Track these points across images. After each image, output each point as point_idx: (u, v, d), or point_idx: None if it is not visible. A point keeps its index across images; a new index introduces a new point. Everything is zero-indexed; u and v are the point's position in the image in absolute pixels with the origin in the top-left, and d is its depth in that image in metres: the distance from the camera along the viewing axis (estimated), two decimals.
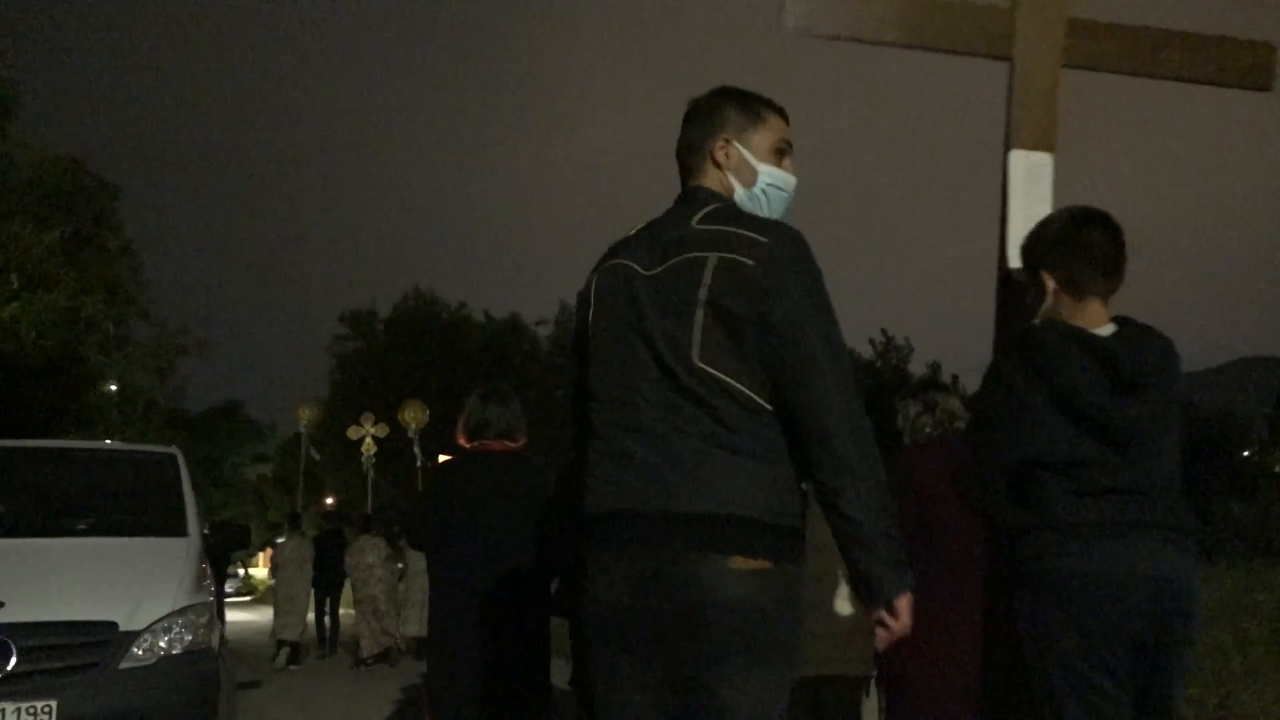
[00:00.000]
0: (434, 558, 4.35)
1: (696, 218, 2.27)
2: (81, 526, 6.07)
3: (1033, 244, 2.83)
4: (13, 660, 4.84)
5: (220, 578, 18.22)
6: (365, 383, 27.57)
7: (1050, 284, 2.76)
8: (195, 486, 7.00)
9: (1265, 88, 4.13)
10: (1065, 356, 2.58)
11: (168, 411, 24.78)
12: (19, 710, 4.79)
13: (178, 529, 6.15)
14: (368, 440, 17.99)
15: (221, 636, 6.08)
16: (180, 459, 6.92)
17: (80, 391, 11.33)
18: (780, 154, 2.41)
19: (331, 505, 27.99)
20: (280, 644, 13.47)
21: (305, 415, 21.49)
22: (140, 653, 5.14)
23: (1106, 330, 2.67)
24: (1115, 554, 2.53)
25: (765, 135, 2.39)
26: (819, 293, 2.18)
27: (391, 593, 13.32)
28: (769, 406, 2.15)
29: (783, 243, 2.18)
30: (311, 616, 14.36)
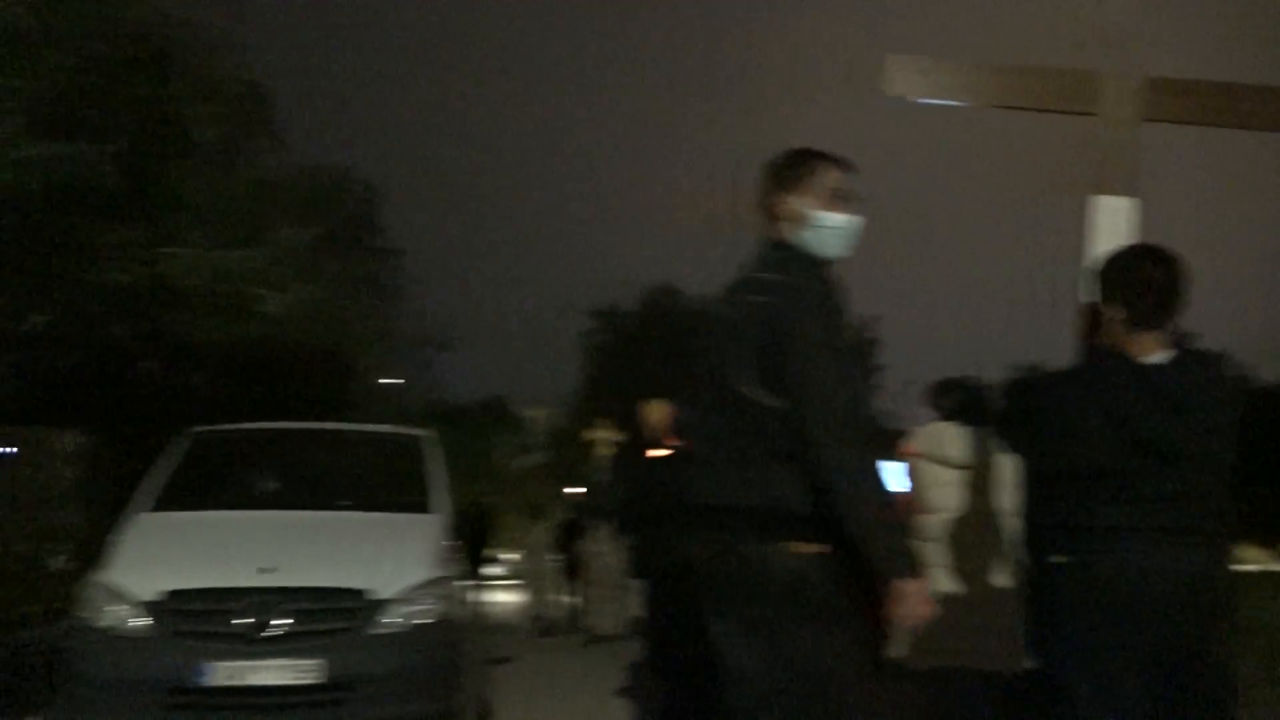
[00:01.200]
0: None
1: (758, 264, 2.78)
2: (342, 501, 6.52)
3: (1095, 277, 3.06)
4: (281, 621, 5.26)
5: (477, 558, 19.33)
6: (611, 376, 28.26)
7: (1109, 315, 2.99)
8: (448, 469, 7.41)
9: None
10: (1116, 382, 2.88)
11: (427, 403, 26.54)
12: (286, 667, 5.21)
13: (426, 506, 6.51)
14: (600, 442, 18.80)
15: (469, 609, 6.37)
16: (426, 441, 7.31)
17: (345, 382, 12.27)
18: (837, 199, 2.79)
19: (573, 496, 29.09)
20: (535, 619, 15.17)
21: (540, 416, 22.71)
22: (391, 620, 5.47)
23: (1161, 357, 2.90)
24: (1152, 555, 2.79)
25: (819, 184, 2.79)
26: (811, 335, 2.59)
27: (621, 576, 13.79)
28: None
29: (790, 292, 2.63)
30: (560, 597, 15.36)
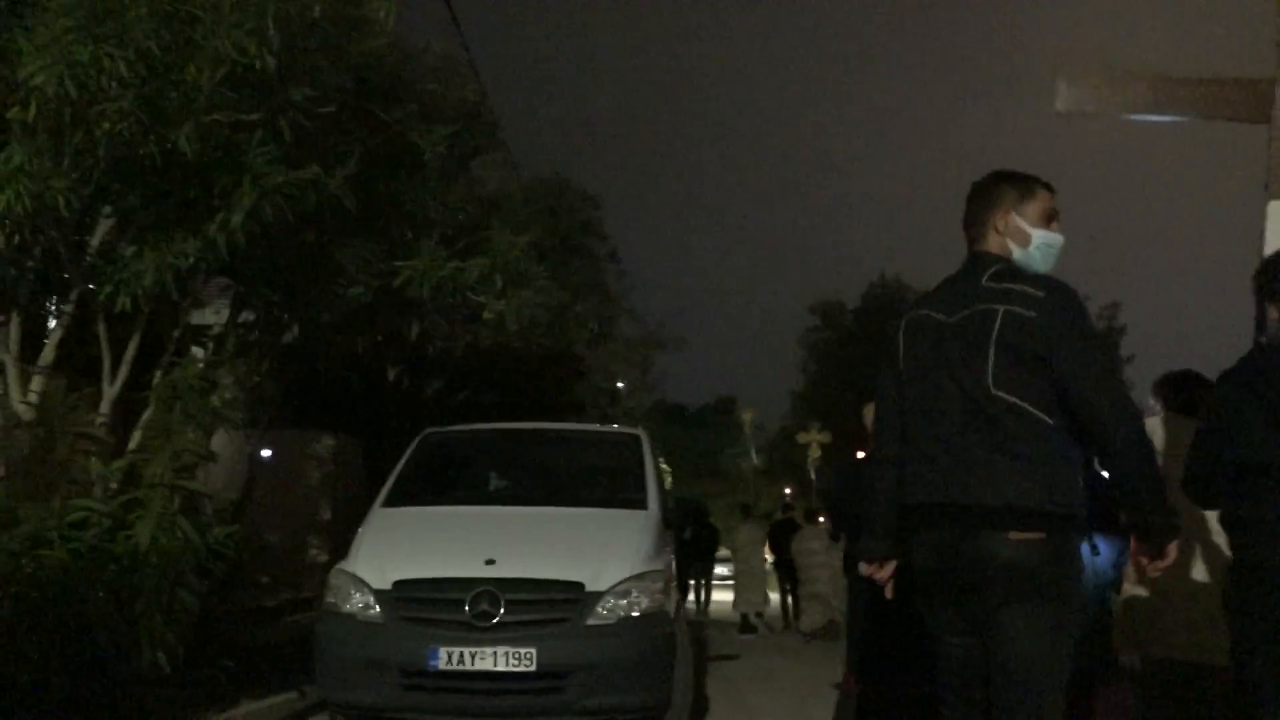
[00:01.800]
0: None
1: (985, 276, 2.97)
2: (562, 497, 6.81)
3: (1261, 276, 3.27)
4: (501, 610, 5.56)
5: (707, 559, 19.63)
6: (832, 374, 27.98)
7: (1274, 313, 3.20)
8: (675, 471, 7.59)
9: None
10: (1276, 379, 3.02)
11: (649, 404, 27.11)
12: (506, 654, 5.50)
13: (639, 502, 6.70)
14: (813, 445, 18.86)
15: (679, 604, 6.49)
16: (644, 440, 7.52)
17: (570, 383, 12.75)
18: (1048, 219, 3.08)
19: (788, 496, 29.10)
20: (743, 616, 15.56)
21: (748, 419, 22.83)
22: (603, 611, 5.67)
23: None
24: None
25: (1035, 205, 3.06)
26: (1087, 333, 2.90)
27: (834, 576, 13.73)
28: (1050, 420, 2.83)
29: (1055, 296, 2.88)
30: (776, 595, 15.67)
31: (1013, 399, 2.84)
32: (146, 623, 5.45)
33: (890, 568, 3.21)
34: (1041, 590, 2.82)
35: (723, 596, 20.99)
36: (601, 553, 5.96)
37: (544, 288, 7.03)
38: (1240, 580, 3.11)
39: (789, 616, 16.02)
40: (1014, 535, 2.80)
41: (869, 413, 5.16)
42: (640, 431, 7.79)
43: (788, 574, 15.61)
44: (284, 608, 9.46)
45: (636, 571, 5.86)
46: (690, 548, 23.48)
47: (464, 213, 7.02)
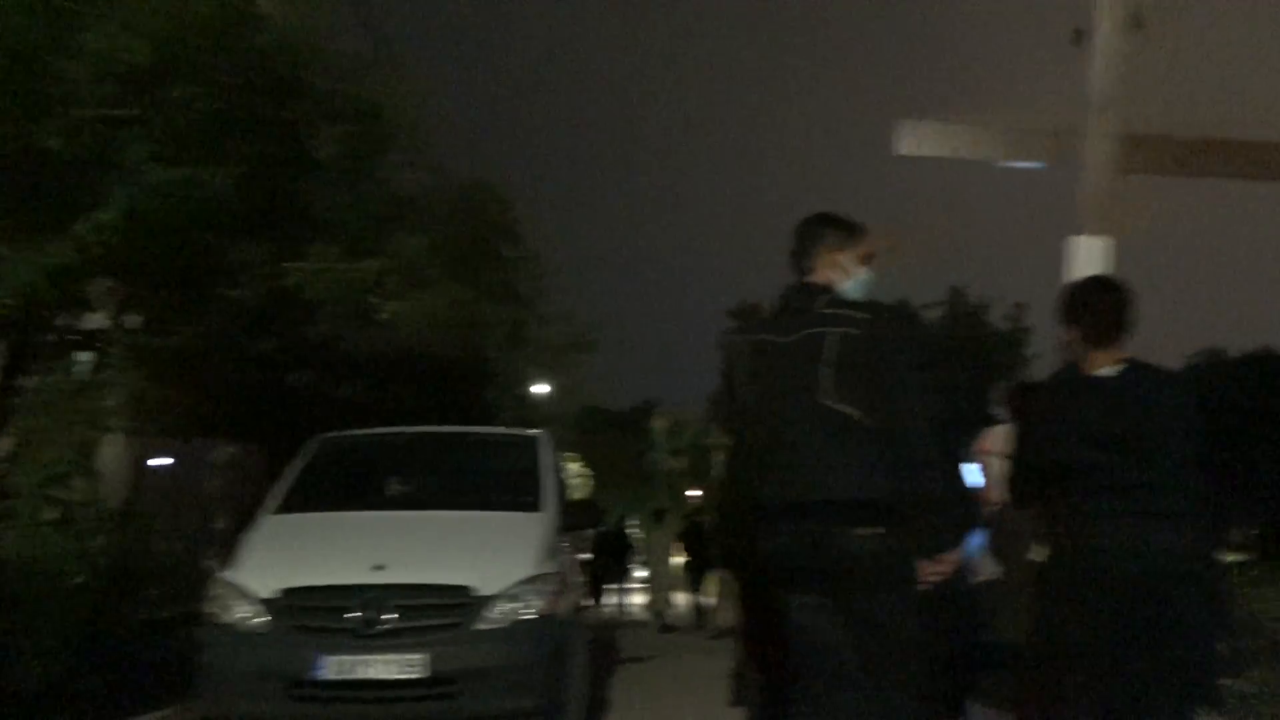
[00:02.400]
0: None
1: (818, 304, 3.38)
2: (457, 501, 6.73)
3: (1060, 305, 3.67)
4: (389, 617, 5.48)
5: (622, 562, 19.69)
6: None
7: (1071, 336, 3.62)
8: (575, 470, 7.57)
9: None
10: (1080, 392, 3.50)
11: (575, 409, 26.99)
12: (394, 661, 5.42)
13: (534, 504, 6.65)
14: (715, 450, 19.10)
15: (577, 606, 6.47)
16: (543, 442, 7.47)
17: (482, 386, 12.64)
18: (866, 259, 3.58)
19: (696, 499, 29.27)
20: (658, 615, 16.14)
21: (659, 425, 23.08)
22: (495, 615, 5.62)
23: (1110, 371, 3.50)
24: (1113, 533, 3.32)
25: (857, 248, 3.56)
26: (905, 347, 3.31)
27: None
28: (874, 425, 3.23)
29: (878, 319, 3.32)
30: (685, 596, 16.07)
31: (842, 408, 3.26)
32: (21, 636, 5.28)
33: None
34: (888, 576, 3.26)
35: (635, 599, 21.25)
36: (493, 556, 5.91)
37: (445, 289, 6.93)
38: (1050, 565, 3.56)
39: (700, 616, 16.21)
40: (859, 531, 3.22)
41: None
42: (539, 434, 7.73)
43: (699, 575, 15.85)
44: (178, 621, 9.23)
45: (529, 574, 5.82)
46: (606, 551, 23.66)
47: (364, 214, 6.88)
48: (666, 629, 15.96)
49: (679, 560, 16.83)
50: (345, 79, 6.87)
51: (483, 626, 5.59)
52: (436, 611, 5.59)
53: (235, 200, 5.52)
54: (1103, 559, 3.32)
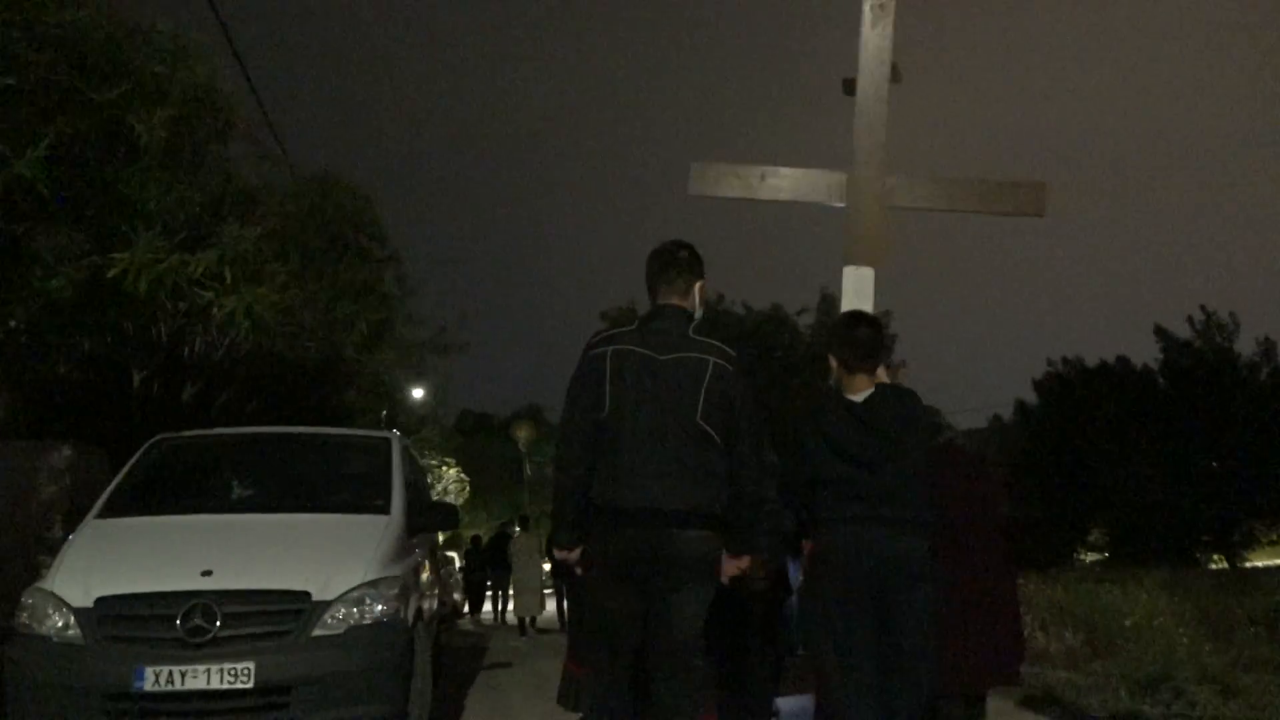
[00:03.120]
0: None
1: (691, 328, 3.86)
2: (299, 504, 6.45)
3: (824, 336, 4.48)
4: (216, 624, 5.19)
5: (500, 563, 19.47)
6: None
7: (833, 363, 4.14)
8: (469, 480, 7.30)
9: (1040, 213, 6.21)
10: (832, 415, 4.03)
11: (449, 414, 26.55)
12: (221, 671, 5.13)
13: (381, 507, 6.42)
14: None
15: (423, 612, 6.25)
16: (395, 443, 7.23)
17: (339, 388, 12.24)
18: (702, 293, 3.99)
19: None
20: (520, 620, 16.59)
21: (522, 434, 22.88)
22: (331, 621, 5.38)
23: (864, 395, 4.04)
24: (856, 536, 3.90)
25: (702, 280, 3.98)
26: (751, 392, 3.86)
27: None
28: (724, 448, 3.78)
29: (739, 359, 3.83)
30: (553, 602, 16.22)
31: (709, 429, 3.74)
32: None
33: (578, 552, 3.89)
34: (708, 573, 3.79)
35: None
36: (332, 560, 5.67)
37: (277, 284, 6.62)
38: (811, 569, 4.09)
39: (564, 620, 16.33)
40: (694, 533, 3.71)
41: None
42: (390, 435, 7.50)
43: (563, 580, 15.98)
44: (8, 633, 8.63)
45: (369, 578, 5.61)
46: (485, 557, 23.32)
47: (193, 203, 6.52)
48: (523, 633, 16.20)
49: (547, 566, 16.80)
50: (173, 61, 6.51)
51: (319, 633, 5.35)
52: (267, 618, 5.33)
53: (44, 183, 5.15)
54: (842, 557, 3.90)
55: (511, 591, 17.24)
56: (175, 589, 5.29)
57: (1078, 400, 37.41)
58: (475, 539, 27.02)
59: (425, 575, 7.06)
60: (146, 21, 6.60)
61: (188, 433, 7.37)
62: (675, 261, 3.91)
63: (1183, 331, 36.18)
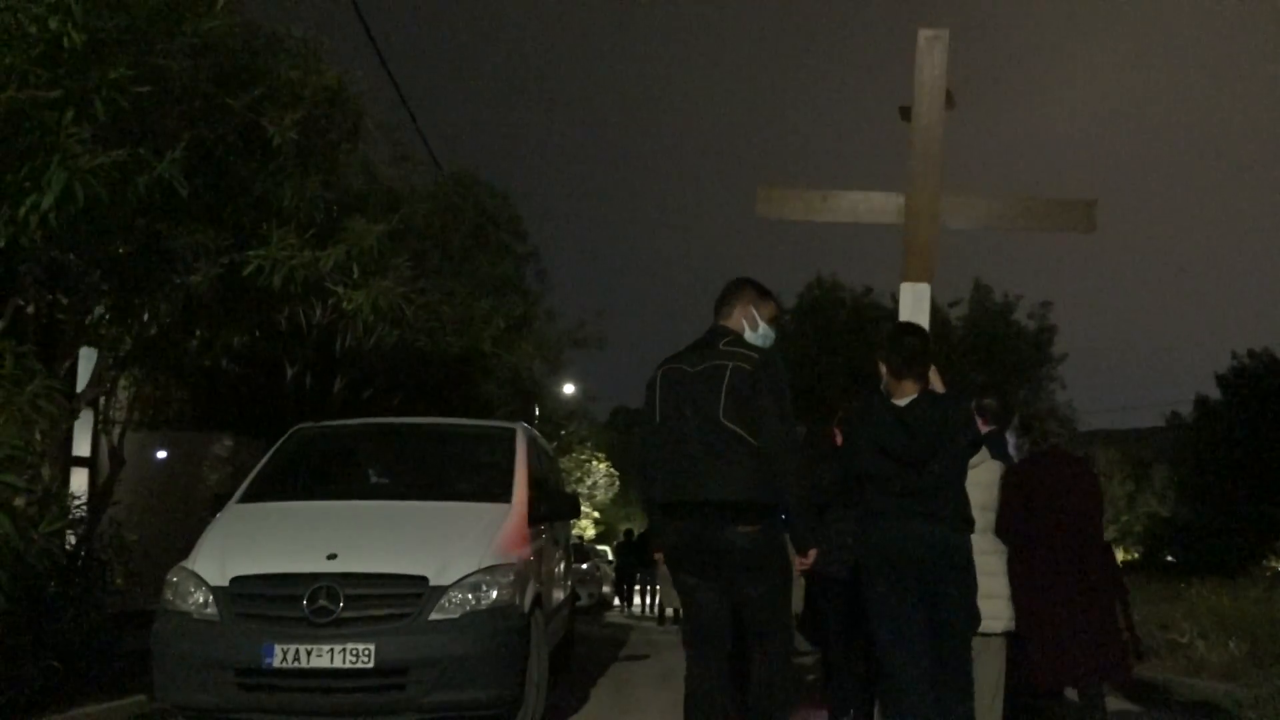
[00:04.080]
0: None
1: (722, 343, 4.29)
2: (425, 491, 6.64)
3: (877, 345, 4.55)
4: (340, 605, 5.39)
5: (644, 561, 19.53)
6: None
7: (882, 369, 4.49)
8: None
9: (1092, 230, 6.38)
10: (879, 416, 4.41)
11: (597, 411, 26.84)
12: (344, 650, 5.32)
13: (502, 495, 6.54)
14: None
15: (540, 598, 6.32)
16: (521, 434, 7.36)
17: (479, 383, 12.54)
18: (771, 320, 4.53)
19: None
20: (660, 612, 17.12)
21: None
22: (449, 605, 5.51)
23: (908, 400, 4.40)
24: (901, 528, 4.30)
25: (767, 309, 4.51)
26: (779, 386, 4.17)
27: None
28: (756, 443, 4.10)
29: (763, 361, 4.19)
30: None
31: (734, 426, 4.10)
32: None
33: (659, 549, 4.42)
34: (762, 563, 4.20)
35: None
36: (451, 546, 5.81)
37: (407, 277, 6.81)
38: (863, 561, 4.46)
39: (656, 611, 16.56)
40: (741, 528, 4.10)
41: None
42: (517, 426, 7.63)
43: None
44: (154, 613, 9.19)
45: (486, 565, 5.72)
46: (635, 550, 23.54)
47: (324, 201, 6.79)
48: (664, 624, 16.38)
49: None
50: (304, 66, 6.78)
51: (436, 616, 5.49)
52: (387, 601, 5.50)
53: (181, 183, 5.43)
54: (891, 548, 4.31)
55: (658, 585, 17.20)
56: (302, 570, 5.51)
57: (1266, 394, 34.99)
58: (628, 532, 27.27)
59: (547, 564, 7.17)
60: (281, 28, 6.88)
61: (325, 423, 7.68)
62: (730, 289, 4.51)
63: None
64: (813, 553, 4.31)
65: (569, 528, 9.75)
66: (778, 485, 4.09)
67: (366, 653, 5.32)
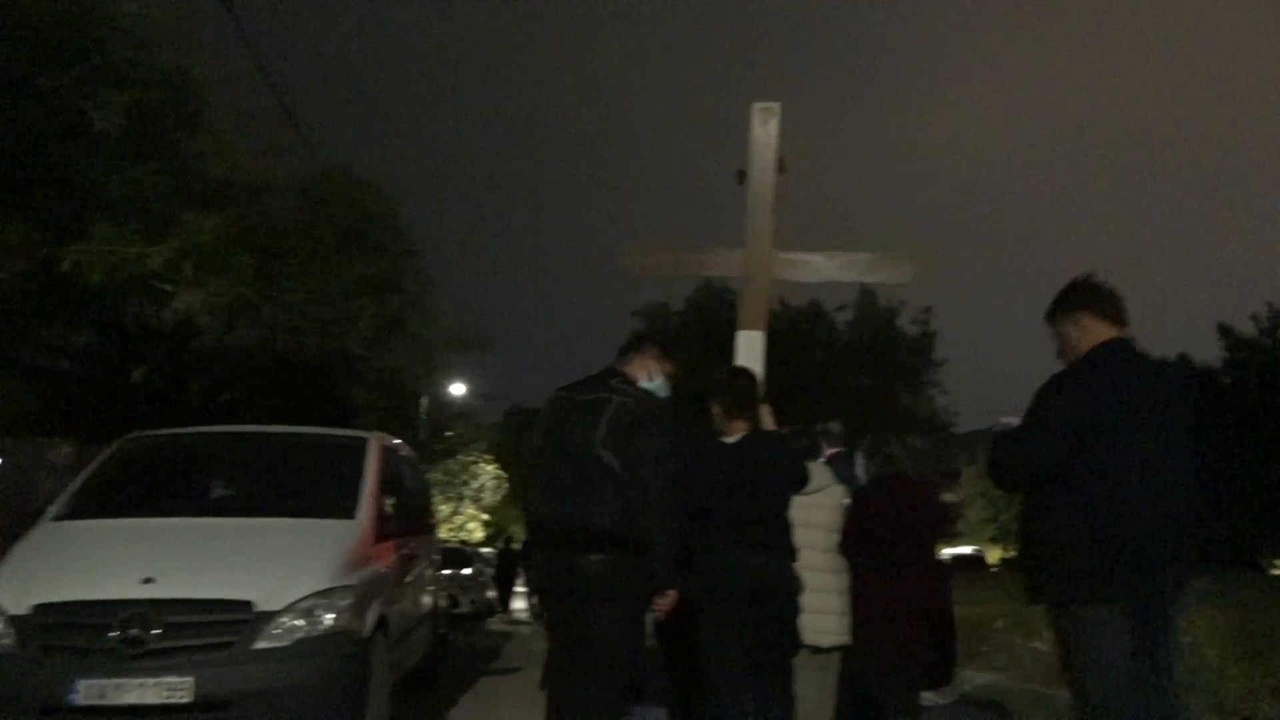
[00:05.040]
0: None
1: (614, 380, 4.42)
2: (260, 507, 6.17)
3: (709, 387, 4.91)
4: (154, 635, 4.92)
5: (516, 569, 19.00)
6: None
7: (715, 409, 4.85)
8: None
9: (912, 279, 7.17)
10: (709, 453, 4.74)
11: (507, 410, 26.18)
12: (158, 685, 4.87)
13: (347, 510, 6.12)
14: None
15: (384, 621, 5.92)
16: (373, 444, 6.93)
17: (343, 388, 11.99)
18: (669, 376, 4.66)
19: None
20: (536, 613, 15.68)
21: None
22: (277, 633, 5.10)
23: (738, 437, 4.75)
24: (728, 557, 4.58)
25: (665, 366, 4.65)
26: (662, 427, 4.30)
27: None
28: (629, 476, 4.20)
29: (647, 400, 4.37)
30: None
31: (607, 457, 4.21)
32: None
33: None
34: (614, 595, 4.22)
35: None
36: (283, 567, 5.39)
37: (249, 278, 6.33)
38: (694, 588, 4.58)
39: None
40: (595, 557, 4.17)
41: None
42: (371, 436, 7.19)
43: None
44: None
45: (321, 587, 5.31)
46: (519, 554, 23.08)
47: (160, 192, 6.26)
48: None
49: None
50: (140, 46, 6.25)
51: (263, 645, 5.07)
52: (209, 629, 5.06)
53: None
54: (719, 577, 4.57)
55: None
56: (113, 597, 5.04)
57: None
58: (507, 539, 26.85)
59: (401, 581, 6.76)
60: (112, 4, 6.33)
61: (158, 432, 7.13)
62: (635, 340, 4.76)
63: (1247, 329, 35.04)
64: (671, 594, 4.30)
65: (432, 538, 9.34)
66: (644, 522, 4.16)
67: (184, 686, 4.88)
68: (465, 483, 34.96)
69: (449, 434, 32.13)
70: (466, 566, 22.66)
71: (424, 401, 28.90)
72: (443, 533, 37.92)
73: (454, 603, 19.41)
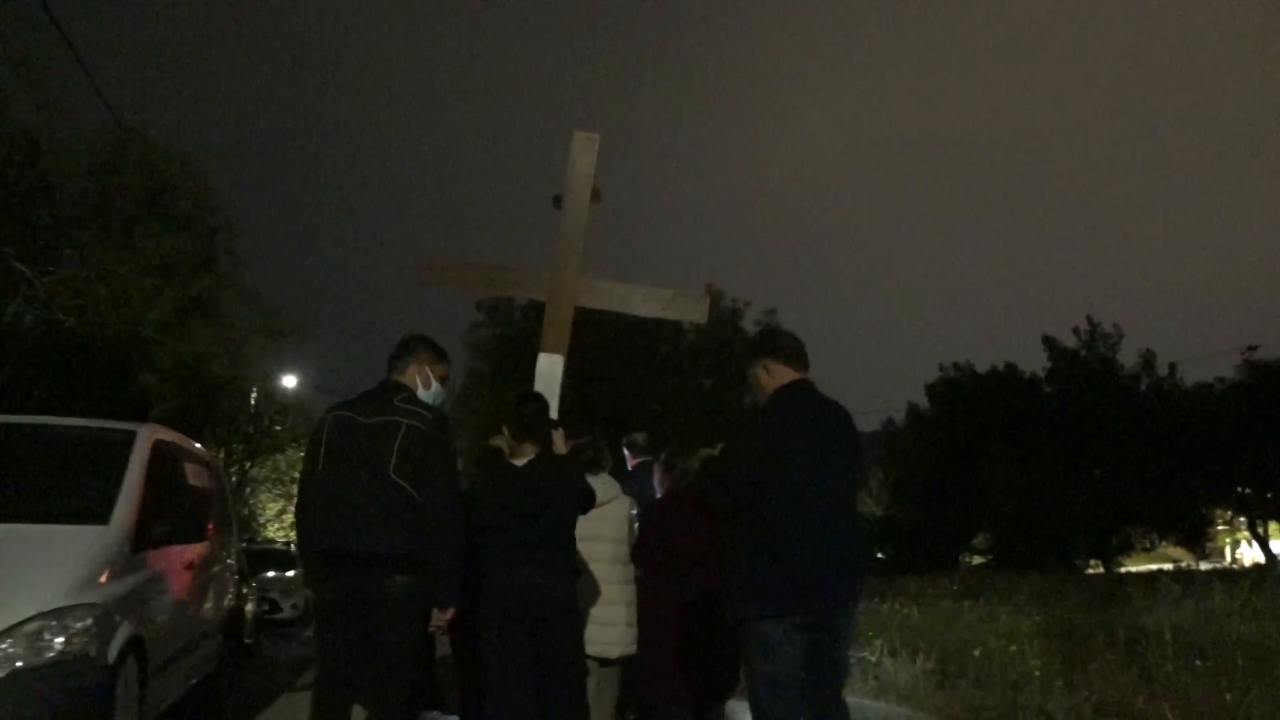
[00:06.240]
0: None
1: (397, 399, 4.40)
2: None
3: (507, 412, 5.23)
4: None
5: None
6: (501, 371, 26.98)
7: (506, 432, 5.13)
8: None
9: (703, 320, 7.51)
10: (499, 475, 4.98)
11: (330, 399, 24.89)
12: None
13: (99, 516, 5.29)
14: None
15: (139, 643, 5.12)
16: (142, 438, 6.08)
17: (133, 373, 10.87)
18: (443, 379, 4.74)
19: None
20: None
21: None
22: None
23: (526, 460, 4.99)
24: (512, 574, 4.79)
25: (440, 369, 4.71)
26: (448, 445, 4.39)
27: None
28: (420, 498, 4.24)
29: (436, 421, 4.36)
30: None
31: (402, 482, 4.17)
32: None
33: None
34: (410, 614, 4.20)
35: None
36: (6, 583, 4.55)
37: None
38: (477, 601, 4.76)
39: None
40: (399, 578, 4.14)
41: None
42: (140, 429, 6.32)
43: None
44: None
45: (52, 606, 4.51)
46: None
47: None
48: None
49: None
50: None
51: None
52: None
53: None
54: (502, 592, 4.74)
55: None
56: None
57: (967, 404, 37.66)
58: None
59: (174, 594, 5.94)
60: None
61: None
62: (407, 346, 4.62)
63: (1069, 341, 36.69)
64: (452, 611, 4.33)
65: (230, 542, 8.46)
66: (435, 541, 4.18)
67: None
68: (294, 480, 33.35)
69: (278, 428, 30.54)
70: (290, 569, 21.37)
71: (253, 393, 27.40)
72: (271, 533, 36.12)
73: (274, 607, 18.20)
